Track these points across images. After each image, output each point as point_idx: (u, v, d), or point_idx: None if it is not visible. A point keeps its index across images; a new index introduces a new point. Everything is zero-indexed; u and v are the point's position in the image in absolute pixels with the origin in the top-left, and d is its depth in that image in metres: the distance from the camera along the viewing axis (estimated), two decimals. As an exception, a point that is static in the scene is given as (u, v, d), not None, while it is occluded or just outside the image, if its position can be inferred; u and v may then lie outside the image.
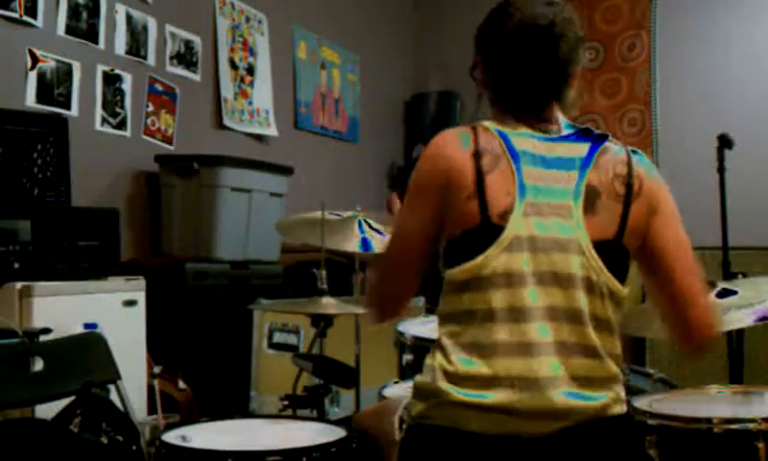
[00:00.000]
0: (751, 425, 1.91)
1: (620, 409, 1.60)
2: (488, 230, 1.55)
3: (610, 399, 1.57)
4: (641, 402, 2.16)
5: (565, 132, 1.65)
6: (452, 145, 1.61)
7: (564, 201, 1.57)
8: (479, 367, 1.53)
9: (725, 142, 3.60)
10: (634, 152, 1.67)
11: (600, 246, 1.57)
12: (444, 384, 1.55)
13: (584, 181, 1.59)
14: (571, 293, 1.55)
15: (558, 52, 1.62)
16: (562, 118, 1.67)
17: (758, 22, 5.30)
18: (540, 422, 1.52)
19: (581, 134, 1.65)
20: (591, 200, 1.58)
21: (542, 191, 1.57)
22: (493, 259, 1.55)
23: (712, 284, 2.44)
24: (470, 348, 1.55)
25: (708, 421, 1.97)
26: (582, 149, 1.62)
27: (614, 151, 1.64)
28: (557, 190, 1.58)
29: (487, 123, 1.64)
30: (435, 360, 1.59)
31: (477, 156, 1.58)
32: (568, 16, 1.65)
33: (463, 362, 1.55)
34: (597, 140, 1.65)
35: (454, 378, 1.55)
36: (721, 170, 3.59)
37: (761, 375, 3.98)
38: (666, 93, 5.51)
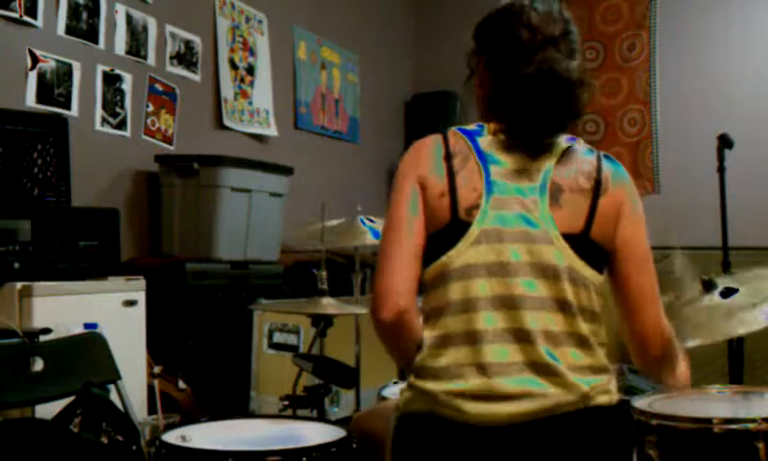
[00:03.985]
0: (751, 425, 1.91)
1: (606, 400, 1.61)
2: (457, 227, 1.63)
3: (591, 387, 1.59)
4: (641, 402, 2.16)
5: None
6: (427, 149, 1.70)
7: (530, 196, 1.64)
8: (448, 357, 1.61)
9: (725, 142, 3.60)
10: (606, 156, 1.73)
11: (569, 238, 1.63)
12: (418, 378, 1.64)
13: (549, 176, 1.65)
14: (543, 282, 1.60)
15: (575, 104, 1.68)
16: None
17: (758, 22, 5.30)
18: (500, 405, 1.56)
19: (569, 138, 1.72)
20: (555, 195, 1.64)
21: (509, 188, 1.64)
22: (462, 254, 1.62)
23: (711, 282, 2.44)
24: (440, 340, 1.63)
25: (708, 421, 1.97)
26: (564, 148, 1.69)
27: (582, 152, 1.71)
28: (523, 186, 1.64)
29: (455, 128, 1.72)
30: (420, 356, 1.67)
31: (449, 157, 1.67)
32: (576, 47, 1.69)
33: (434, 354, 1.63)
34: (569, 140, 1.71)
35: (427, 371, 1.63)
36: (721, 170, 3.59)
37: (761, 375, 3.99)
38: (666, 93, 5.51)
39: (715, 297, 2.42)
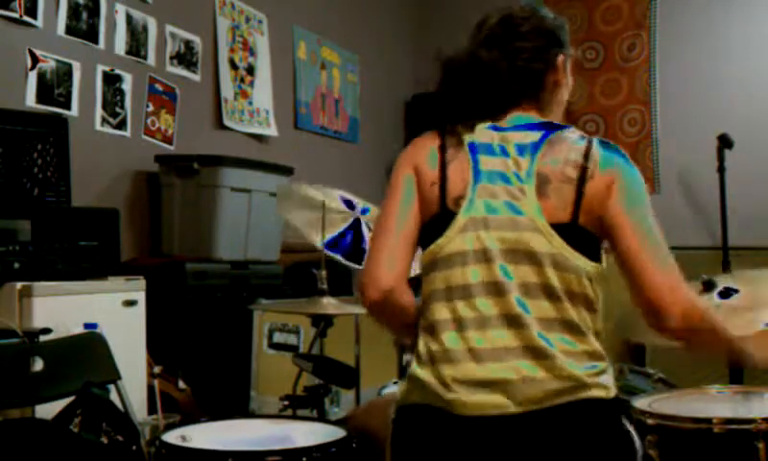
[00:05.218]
0: (751, 425, 1.91)
1: (600, 393, 1.60)
2: (445, 216, 1.67)
3: (585, 374, 1.58)
4: (641, 402, 2.16)
5: (523, 123, 1.72)
6: (423, 142, 1.76)
7: (517, 184, 1.65)
8: (443, 344, 1.63)
9: (725, 142, 3.61)
10: (602, 142, 1.70)
11: (557, 228, 1.63)
12: (414, 366, 1.66)
13: (534, 165, 1.66)
14: (528, 268, 1.61)
15: (494, 92, 1.72)
16: (528, 116, 1.74)
17: (758, 22, 5.30)
18: (496, 395, 1.56)
19: (538, 125, 1.72)
20: (543, 184, 1.64)
21: (497, 176, 1.66)
22: (450, 242, 1.66)
23: (711, 283, 2.44)
24: (433, 326, 1.66)
25: (708, 421, 1.97)
26: (534, 136, 1.69)
27: (572, 139, 1.69)
28: (510, 175, 1.66)
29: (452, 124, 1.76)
30: (416, 346, 1.70)
31: (443, 148, 1.72)
32: (527, 28, 1.75)
33: (428, 342, 1.66)
34: (551, 129, 1.71)
35: (422, 357, 1.66)
36: (721, 170, 3.60)
37: (761, 374, 3.98)
38: (666, 93, 5.51)
39: (714, 298, 2.42)
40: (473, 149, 1.69)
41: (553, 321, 1.60)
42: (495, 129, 1.71)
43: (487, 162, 1.67)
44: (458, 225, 1.65)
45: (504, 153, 1.67)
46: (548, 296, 1.61)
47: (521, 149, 1.67)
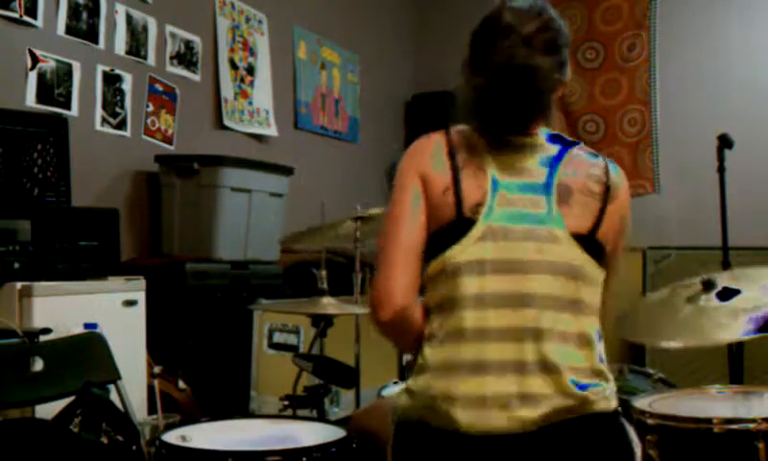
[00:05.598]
0: (751, 425, 1.91)
1: (603, 405, 1.60)
2: (461, 224, 1.62)
3: (591, 392, 1.58)
4: (641, 402, 2.16)
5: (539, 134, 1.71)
6: (429, 146, 1.70)
7: (535, 194, 1.64)
8: (450, 355, 1.60)
9: (725, 142, 3.60)
10: (611, 163, 1.73)
11: (577, 238, 1.63)
12: (417, 377, 1.63)
13: (555, 177, 1.65)
14: (557, 280, 1.60)
15: (538, 100, 1.67)
16: (541, 129, 1.72)
17: (758, 22, 5.30)
18: (511, 412, 1.55)
19: (553, 138, 1.72)
20: (564, 195, 1.64)
21: (514, 185, 1.64)
22: (466, 250, 1.61)
23: (711, 283, 2.43)
24: (442, 336, 1.62)
25: (708, 421, 1.98)
26: (552, 149, 1.69)
27: (588, 156, 1.72)
28: (528, 184, 1.64)
29: (457, 127, 1.72)
30: (420, 355, 1.66)
31: (452, 154, 1.66)
32: (549, 37, 1.67)
33: (434, 352, 1.62)
34: (568, 144, 1.72)
35: (427, 369, 1.62)
36: (721, 170, 3.59)
37: (761, 375, 3.99)
38: (666, 93, 5.51)
39: (712, 298, 2.41)
40: (489, 157, 1.66)
41: (568, 334, 1.59)
42: (512, 138, 1.68)
43: (504, 171, 1.65)
44: (476, 232, 1.61)
45: (521, 163, 1.66)
46: (565, 307, 1.60)
47: (539, 160, 1.67)
